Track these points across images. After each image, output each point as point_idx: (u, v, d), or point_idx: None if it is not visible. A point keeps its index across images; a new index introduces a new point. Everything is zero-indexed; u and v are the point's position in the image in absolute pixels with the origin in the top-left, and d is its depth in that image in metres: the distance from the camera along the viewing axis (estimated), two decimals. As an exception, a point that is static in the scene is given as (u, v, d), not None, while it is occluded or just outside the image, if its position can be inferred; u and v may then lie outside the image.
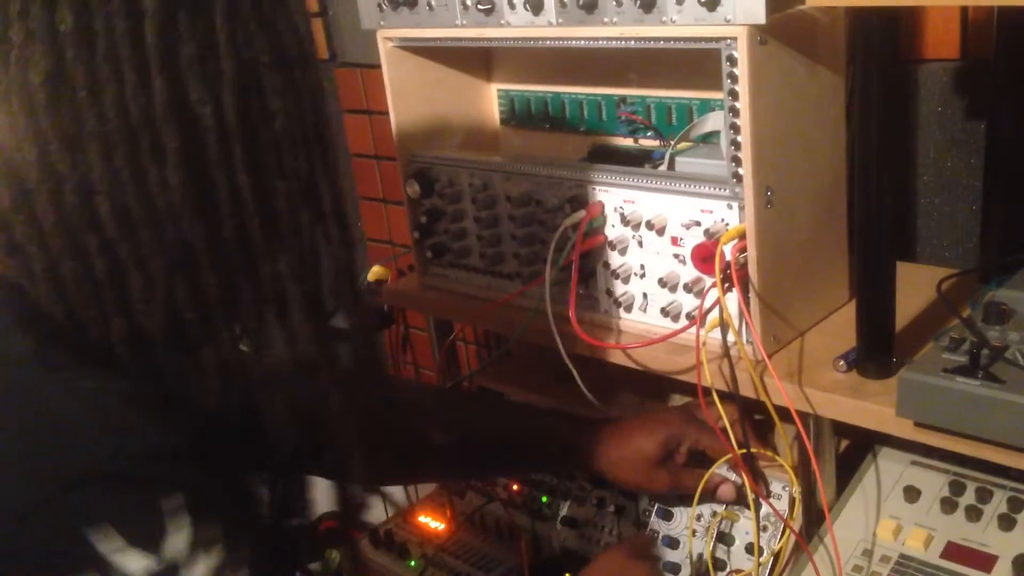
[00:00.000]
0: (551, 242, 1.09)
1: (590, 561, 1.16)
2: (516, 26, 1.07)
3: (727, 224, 0.99)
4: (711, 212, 1.00)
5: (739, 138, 0.94)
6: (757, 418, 1.04)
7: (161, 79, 0.60)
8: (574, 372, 1.09)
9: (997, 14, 1.00)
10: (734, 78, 0.93)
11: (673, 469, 1.10)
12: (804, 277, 1.05)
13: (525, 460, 1.17)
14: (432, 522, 1.37)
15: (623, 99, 1.21)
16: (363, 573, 1.40)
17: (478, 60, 1.32)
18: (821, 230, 1.06)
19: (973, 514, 0.96)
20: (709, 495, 1.10)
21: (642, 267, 1.08)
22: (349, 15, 1.76)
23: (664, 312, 1.06)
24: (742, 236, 0.98)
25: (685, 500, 1.12)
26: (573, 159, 1.26)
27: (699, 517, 1.12)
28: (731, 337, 1.00)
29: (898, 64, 1.13)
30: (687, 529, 1.12)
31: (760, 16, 0.89)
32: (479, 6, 1.09)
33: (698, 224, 1.01)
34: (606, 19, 0.99)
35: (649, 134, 1.20)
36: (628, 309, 1.11)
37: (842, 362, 0.97)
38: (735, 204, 0.98)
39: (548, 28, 1.05)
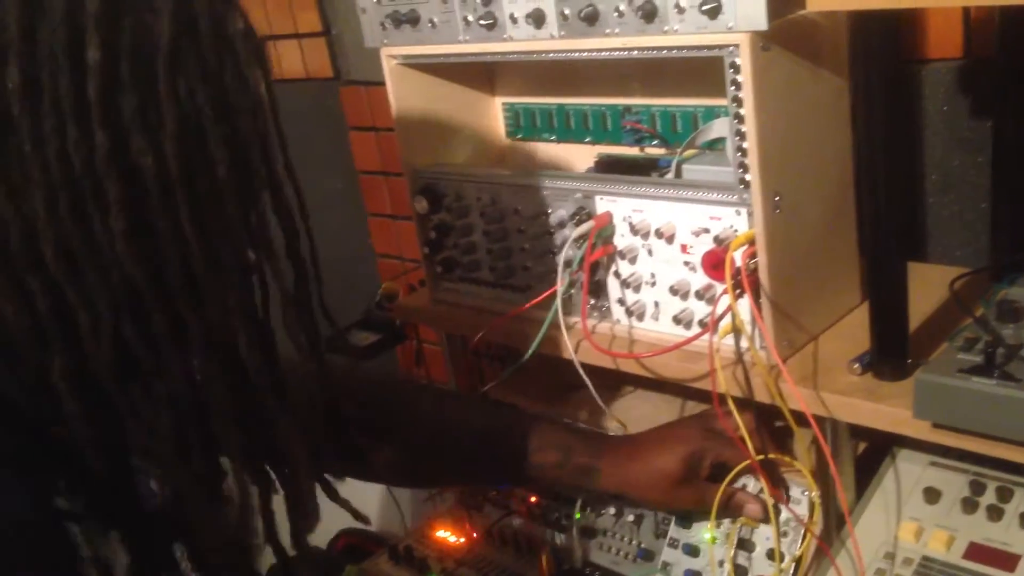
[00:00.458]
0: (561, 253, 1.09)
1: (610, 570, 1.17)
2: (519, 40, 1.08)
3: (736, 230, 0.99)
4: (720, 219, 1.00)
5: (745, 144, 0.95)
6: (778, 425, 1.04)
7: (102, 132, 0.62)
8: (589, 384, 1.09)
9: (999, 12, 1.00)
10: (738, 85, 0.93)
11: (698, 486, 1.07)
12: (815, 281, 1.05)
13: (538, 481, 1.16)
14: (451, 536, 1.37)
15: (628, 108, 1.21)
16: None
17: (482, 74, 1.33)
18: (830, 233, 1.06)
19: (994, 514, 0.95)
20: (735, 512, 1.09)
21: (652, 276, 1.08)
22: (352, 34, 1.77)
23: (676, 320, 1.06)
24: (751, 242, 0.98)
25: (706, 514, 1.12)
26: (580, 170, 1.26)
27: (719, 524, 1.11)
28: (744, 343, 1.00)
29: (901, 64, 1.13)
30: (707, 537, 1.12)
31: (762, 22, 0.89)
32: (481, 21, 1.09)
33: (707, 231, 1.01)
34: (608, 30, 0.99)
35: (655, 143, 1.20)
36: (640, 318, 1.11)
37: (857, 365, 0.97)
38: (743, 210, 0.98)
39: (551, 41, 1.05)
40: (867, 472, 1.05)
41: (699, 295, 1.04)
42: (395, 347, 1.74)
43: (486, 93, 1.34)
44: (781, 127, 0.96)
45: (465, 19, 1.11)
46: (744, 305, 0.99)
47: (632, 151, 1.23)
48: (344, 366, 1.38)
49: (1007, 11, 0.98)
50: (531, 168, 1.33)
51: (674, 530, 1.16)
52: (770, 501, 1.04)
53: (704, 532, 1.12)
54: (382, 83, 1.25)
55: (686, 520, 1.15)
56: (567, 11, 1.02)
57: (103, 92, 0.61)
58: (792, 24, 0.92)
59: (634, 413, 1.26)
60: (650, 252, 1.07)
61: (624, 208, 1.08)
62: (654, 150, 1.20)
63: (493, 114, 1.35)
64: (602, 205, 1.09)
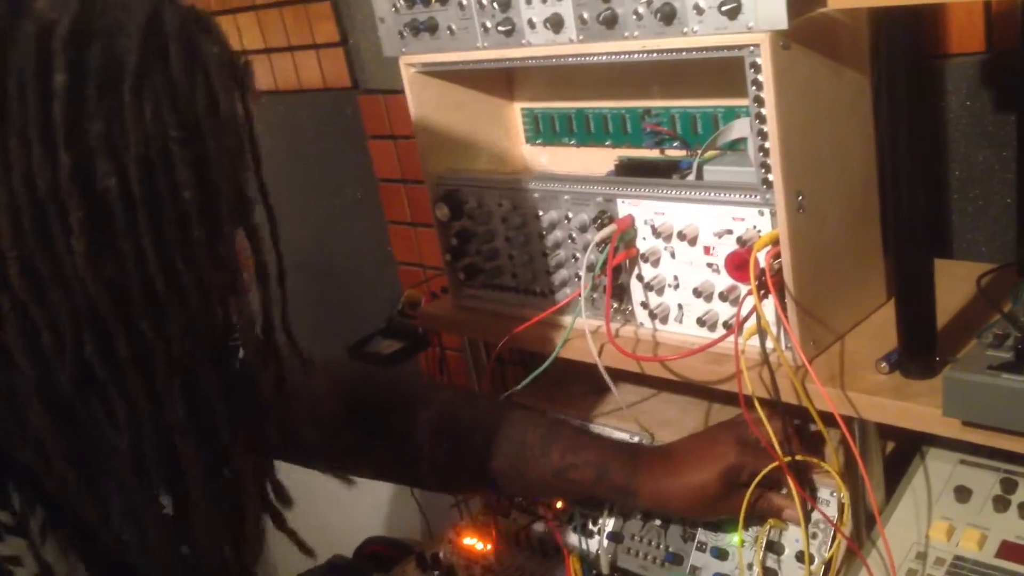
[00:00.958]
0: (583, 258, 1.09)
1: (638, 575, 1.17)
2: (537, 45, 1.08)
3: (759, 231, 0.99)
4: (742, 219, 1.00)
5: (767, 144, 0.94)
6: (813, 429, 1.02)
7: (66, 154, 0.62)
8: (613, 388, 1.09)
9: (1021, 4, 0.99)
10: (759, 85, 0.92)
11: (735, 497, 1.05)
12: (840, 279, 1.04)
13: (570, 496, 1.15)
14: (478, 543, 1.36)
15: (647, 111, 1.21)
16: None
17: (500, 80, 1.33)
18: (855, 231, 1.06)
19: (1027, 512, 0.95)
20: (772, 516, 1.08)
21: (676, 278, 1.08)
22: (370, 43, 1.78)
23: (700, 322, 1.06)
24: (775, 242, 0.97)
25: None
26: (600, 174, 1.26)
27: (747, 527, 1.10)
28: (770, 344, 0.99)
29: (924, 60, 1.12)
30: (736, 540, 1.11)
31: (782, 21, 0.88)
32: (499, 28, 1.09)
33: (730, 232, 1.01)
34: (627, 33, 0.99)
35: (675, 144, 1.19)
36: (664, 321, 1.11)
37: (884, 364, 0.96)
38: (766, 210, 0.97)
39: (569, 45, 1.05)
40: (896, 471, 1.05)
41: (723, 296, 1.04)
42: (418, 354, 1.74)
43: (505, 99, 1.34)
44: (803, 126, 0.96)
45: (483, 26, 1.11)
46: (769, 306, 0.98)
47: (653, 153, 1.23)
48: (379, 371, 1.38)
49: (1029, 4, 0.98)
50: (551, 173, 1.32)
51: (702, 533, 1.15)
52: (798, 503, 1.03)
53: (732, 535, 1.12)
54: (400, 91, 1.25)
55: (715, 524, 1.14)
56: (585, 15, 1.02)
57: (68, 115, 0.62)
58: (813, 22, 0.92)
59: (659, 417, 1.25)
60: (673, 254, 1.07)
61: (646, 211, 1.07)
62: (675, 152, 1.20)
63: (512, 120, 1.35)
64: (623, 208, 1.09)
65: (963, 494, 0.99)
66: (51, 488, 0.69)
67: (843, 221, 1.03)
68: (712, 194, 1.02)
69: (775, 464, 1.02)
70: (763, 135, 0.94)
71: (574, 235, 1.15)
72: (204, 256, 0.69)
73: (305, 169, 2.09)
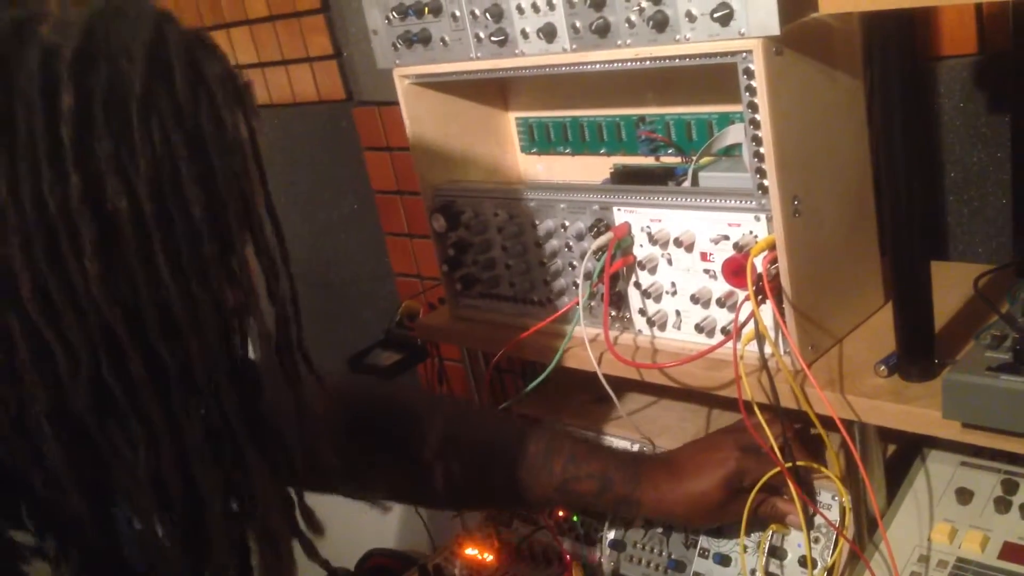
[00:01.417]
0: (580, 266, 1.09)
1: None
2: (531, 55, 1.08)
3: (756, 236, 0.99)
4: (739, 225, 1.00)
5: (762, 149, 0.94)
6: (812, 433, 1.02)
7: (76, 175, 0.63)
8: (613, 396, 1.08)
9: (1012, 6, 1.00)
10: (752, 90, 0.93)
11: (738, 503, 1.05)
12: (837, 283, 1.04)
13: (574, 507, 1.15)
14: (479, 554, 1.36)
15: (642, 118, 1.21)
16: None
17: (494, 90, 1.33)
18: (851, 235, 1.06)
19: (1029, 512, 0.95)
20: (776, 521, 1.07)
21: (673, 285, 1.08)
22: (363, 55, 1.78)
23: (699, 328, 1.06)
24: (772, 247, 0.97)
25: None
26: (596, 182, 1.26)
27: (750, 532, 1.10)
28: (768, 349, 0.99)
29: (916, 62, 1.12)
30: (738, 545, 1.11)
31: (774, 27, 0.88)
32: (492, 38, 1.09)
33: (726, 238, 1.01)
34: (620, 41, 1.00)
35: (670, 151, 1.19)
36: (662, 328, 1.11)
37: (883, 367, 0.96)
38: (762, 216, 0.97)
39: (563, 55, 1.05)
40: (898, 474, 1.05)
41: (721, 303, 1.04)
42: (417, 365, 1.74)
43: (499, 109, 1.34)
44: (797, 130, 0.96)
45: (476, 36, 1.11)
46: (767, 311, 0.98)
47: (648, 161, 1.23)
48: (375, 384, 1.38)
49: (1020, 5, 0.98)
50: (547, 182, 1.33)
51: (704, 540, 1.15)
52: (799, 507, 1.03)
53: (735, 541, 1.11)
54: (395, 103, 1.25)
55: (717, 529, 1.14)
56: (578, 24, 1.02)
57: (77, 136, 0.63)
58: (805, 27, 0.92)
59: (659, 424, 1.26)
60: (670, 261, 1.07)
61: (642, 218, 1.07)
62: (670, 159, 1.20)
63: (507, 129, 1.35)
64: (620, 216, 1.09)
65: (964, 496, 0.99)
66: (63, 514, 0.69)
67: (839, 225, 1.03)
68: (708, 200, 1.02)
69: (776, 470, 1.02)
70: (758, 140, 0.94)
71: (571, 244, 1.15)
72: (218, 274, 0.69)
73: (301, 181, 2.09)
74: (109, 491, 0.70)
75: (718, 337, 1.05)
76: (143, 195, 0.65)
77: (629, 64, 1.01)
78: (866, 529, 1.04)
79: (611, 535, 1.23)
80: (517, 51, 1.09)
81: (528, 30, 1.07)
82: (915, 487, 1.03)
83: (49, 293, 0.64)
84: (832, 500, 1.05)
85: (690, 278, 1.06)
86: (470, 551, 1.37)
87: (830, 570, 1.04)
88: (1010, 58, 1.03)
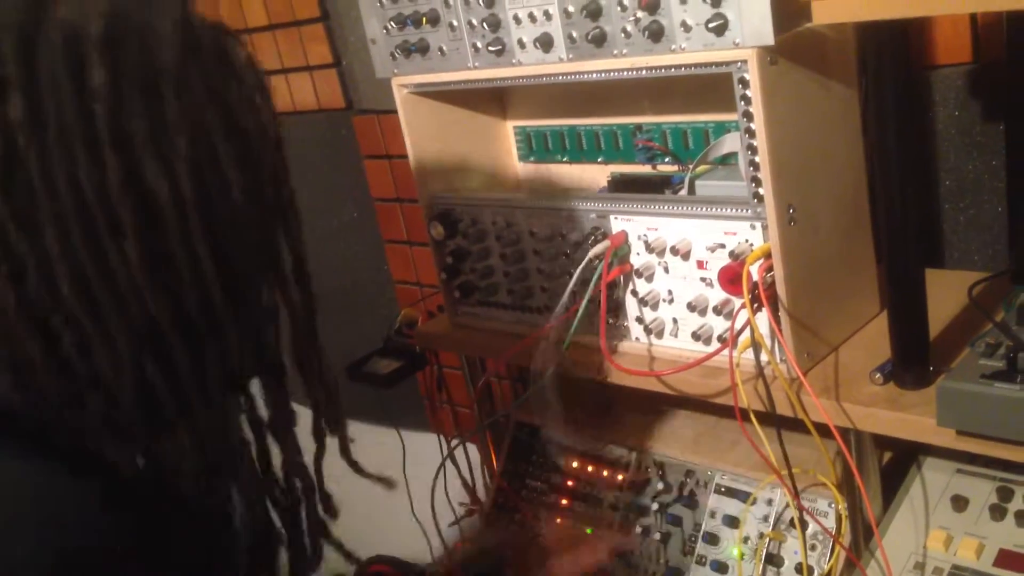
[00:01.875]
0: (578, 274, 1.09)
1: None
2: (528, 64, 1.08)
3: (751, 244, 0.99)
4: (735, 233, 1.00)
5: (757, 158, 0.95)
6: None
7: (114, 157, 0.61)
8: (610, 405, 1.08)
9: (1006, 16, 1.00)
10: (747, 100, 0.93)
11: None
12: (833, 291, 1.05)
13: None
14: (478, 561, 1.36)
15: (639, 127, 1.22)
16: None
17: (492, 99, 1.33)
18: (846, 243, 1.06)
19: (1023, 520, 0.95)
20: None
21: (670, 293, 1.08)
22: (363, 64, 1.79)
23: (695, 336, 1.06)
24: (767, 255, 0.98)
25: (731, 524, 1.12)
26: (593, 190, 1.27)
27: (746, 540, 1.11)
28: (764, 357, 0.99)
29: (911, 71, 1.13)
30: (735, 553, 1.11)
31: (768, 37, 0.89)
32: (490, 48, 1.10)
33: (723, 246, 1.01)
34: (616, 51, 1.00)
35: (667, 160, 1.20)
36: (659, 335, 1.11)
37: (878, 374, 0.97)
38: (758, 224, 0.98)
39: (559, 64, 1.06)
40: (893, 482, 1.05)
41: (717, 310, 1.04)
42: (416, 373, 1.74)
43: (497, 118, 1.35)
44: (792, 139, 0.96)
45: (474, 46, 1.12)
46: (763, 319, 0.99)
47: (645, 169, 1.23)
48: None
49: (1014, 14, 0.98)
50: (545, 190, 1.33)
51: (701, 547, 1.15)
52: (796, 515, 1.03)
53: (732, 548, 1.12)
54: (394, 111, 1.26)
55: (714, 536, 1.15)
56: (574, 34, 1.03)
57: (111, 116, 0.61)
58: (799, 37, 0.93)
59: (655, 431, 1.26)
60: (666, 269, 1.07)
61: (639, 226, 1.08)
62: (667, 167, 1.21)
63: (505, 138, 1.36)
64: (617, 224, 1.10)
65: (960, 503, 0.99)
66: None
67: (835, 233, 1.04)
68: (704, 209, 1.02)
69: (772, 478, 1.02)
70: (753, 149, 0.95)
71: (568, 252, 1.15)
72: (256, 259, 0.68)
73: (301, 190, 2.07)
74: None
75: (715, 345, 1.05)
76: (183, 177, 0.63)
77: (625, 73, 1.01)
78: (862, 536, 1.04)
79: (609, 542, 1.24)
80: (514, 60, 1.09)
81: (525, 40, 1.07)
82: (911, 494, 1.03)
83: (89, 285, 0.61)
84: (828, 507, 1.06)
85: (687, 286, 1.06)
86: (468, 558, 1.37)
87: (827, 577, 1.04)
88: (1004, 67, 1.04)
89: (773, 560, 1.09)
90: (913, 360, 0.94)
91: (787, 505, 1.06)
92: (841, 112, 1.04)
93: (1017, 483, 0.98)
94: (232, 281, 0.66)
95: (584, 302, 1.09)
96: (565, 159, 1.31)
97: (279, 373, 0.74)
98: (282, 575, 0.78)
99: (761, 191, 0.96)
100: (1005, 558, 0.94)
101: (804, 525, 1.05)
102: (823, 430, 0.96)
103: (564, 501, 1.30)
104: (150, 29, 0.63)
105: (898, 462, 1.07)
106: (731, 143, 1.12)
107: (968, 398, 0.84)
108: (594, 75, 1.04)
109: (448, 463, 1.39)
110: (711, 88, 1.05)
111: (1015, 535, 0.95)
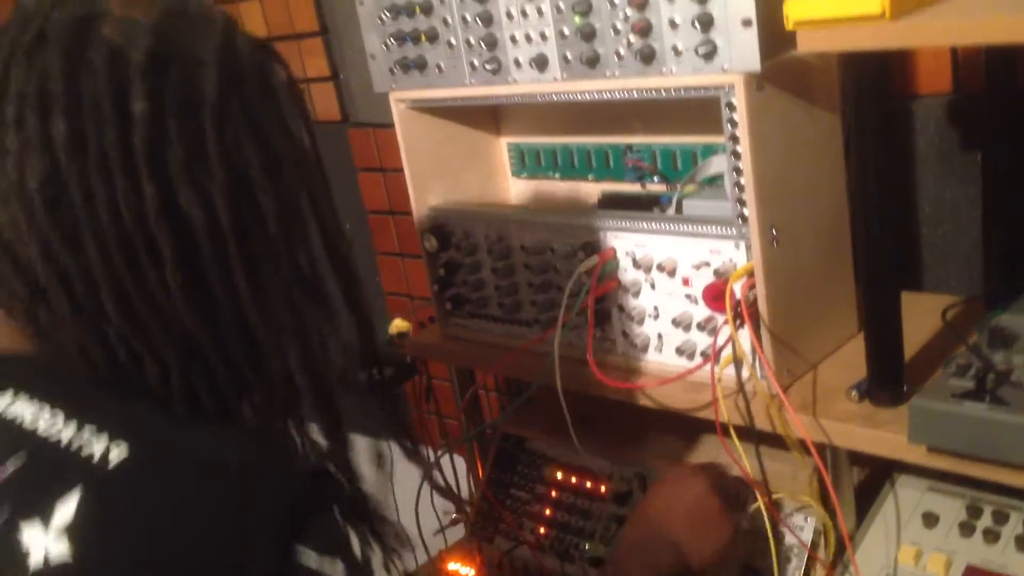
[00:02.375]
0: (566, 288, 1.12)
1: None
2: (523, 83, 1.12)
3: (735, 263, 1.02)
4: (719, 252, 1.03)
5: (742, 180, 0.98)
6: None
7: (151, 184, 0.62)
8: (593, 418, 1.10)
9: (986, 49, 1.04)
10: (734, 123, 0.96)
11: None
12: (813, 311, 1.08)
13: None
14: (462, 568, 1.38)
15: (629, 147, 1.25)
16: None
17: (487, 116, 1.37)
18: (827, 264, 1.09)
19: (991, 537, 0.98)
20: None
21: (655, 308, 1.11)
22: (360, 78, 1.82)
23: (679, 351, 1.09)
24: (750, 274, 1.01)
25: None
26: (584, 207, 1.30)
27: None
28: (745, 372, 1.02)
29: (892, 100, 1.16)
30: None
31: (755, 64, 0.92)
32: (487, 66, 1.13)
33: (707, 264, 1.04)
34: (608, 72, 1.03)
35: (656, 179, 1.23)
36: (644, 350, 1.14)
37: (855, 392, 0.99)
38: (742, 244, 1.01)
39: (553, 83, 1.09)
40: (868, 498, 1.08)
41: (701, 327, 1.07)
42: (405, 383, 1.76)
43: (492, 134, 1.38)
44: (777, 163, 0.99)
45: (471, 64, 1.15)
46: (744, 336, 1.02)
47: (634, 188, 1.26)
48: None
49: (993, 49, 1.02)
50: (537, 205, 1.36)
51: (681, 558, 1.17)
52: (769, 528, 1.06)
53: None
54: (389, 125, 1.29)
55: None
56: (569, 55, 1.06)
57: (149, 144, 0.61)
58: (785, 64, 0.96)
59: (641, 443, 1.28)
60: (653, 286, 1.10)
61: (627, 243, 1.11)
62: (655, 187, 1.24)
63: (499, 154, 1.39)
64: (606, 241, 1.12)
65: (930, 520, 1.02)
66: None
67: (816, 254, 1.07)
68: (691, 227, 1.05)
69: (758, 505, 1.04)
70: (739, 171, 0.98)
71: (558, 266, 1.18)
72: (294, 285, 0.69)
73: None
74: None
75: (697, 360, 1.08)
76: (219, 205, 0.64)
77: (617, 94, 1.04)
78: (834, 551, 1.07)
79: (591, 552, 1.26)
80: (510, 79, 1.12)
81: (521, 59, 1.10)
82: (884, 510, 1.06)
83: (132, 306, 0.62)
84: (804, 521, 1.08)
85: (672, 302, 1.09)
86: (452, 565, 1.40)
87: (801, 589, 1.06)
88: (983, 98, 1.07)
89: (749, 572, 1.11)
90: (888, 379, 0.97)
91: (764, 518, 1.08)
92: (825, 137, 1.07)
93: (986, 501, 1.01)
94: (270, 307, 0.67)
95: (571, 315, 1.12)
96: (557, 176, 1.34)
97: (328, 397, 0.75)
98: None
99: (746, 212, 0.99)
100: (972, 574, 0.96)
101: (780, 537, 1.08)
102: (801, 445, 0.99)
103: (547, 511, 1.32)
104: (193, 57, 0.64)
105: (873, 479, 1.10)
106: (718, 165, 1.15)
107: (939, 416, 0.87)
108: (587, 95, 1.07)
109: (434, 472, 1.41)
110: (700, 111, 1.08)
111: (982, 551, 0.98)
